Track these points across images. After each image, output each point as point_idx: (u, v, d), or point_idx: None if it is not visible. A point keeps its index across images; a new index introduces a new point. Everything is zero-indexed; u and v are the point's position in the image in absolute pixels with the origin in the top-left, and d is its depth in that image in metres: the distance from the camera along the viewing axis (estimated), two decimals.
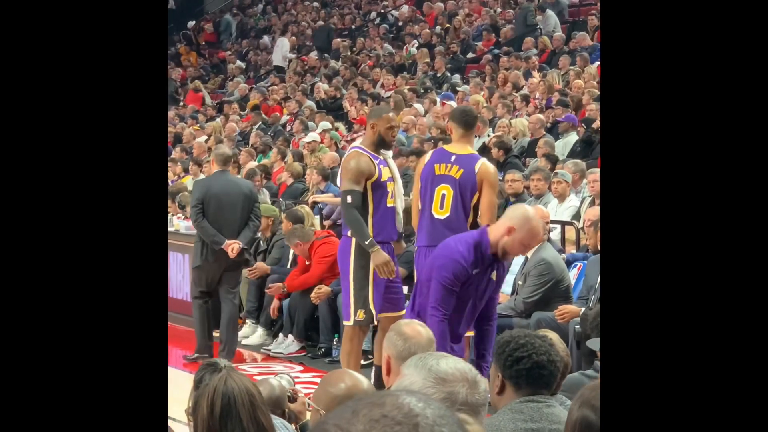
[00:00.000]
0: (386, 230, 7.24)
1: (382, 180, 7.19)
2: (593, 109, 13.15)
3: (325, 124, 16.27)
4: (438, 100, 16.28)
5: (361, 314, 7.14)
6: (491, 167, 7.17)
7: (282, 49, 24.03)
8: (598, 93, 14.07)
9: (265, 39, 26.19)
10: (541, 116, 13.60)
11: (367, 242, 7.04)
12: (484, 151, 12.58)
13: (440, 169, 7.00)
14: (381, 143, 7.30)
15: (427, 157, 7.23)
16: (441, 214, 6.97)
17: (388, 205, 7.25)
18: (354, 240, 7.12)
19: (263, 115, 19.06)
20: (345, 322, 7.31)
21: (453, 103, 15.75)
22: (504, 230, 5.57)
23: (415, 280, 6.92)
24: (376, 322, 7.32)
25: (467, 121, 7.20)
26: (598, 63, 15.92)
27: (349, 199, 7.07)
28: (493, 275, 5.78)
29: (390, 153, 7.50)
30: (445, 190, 6.96)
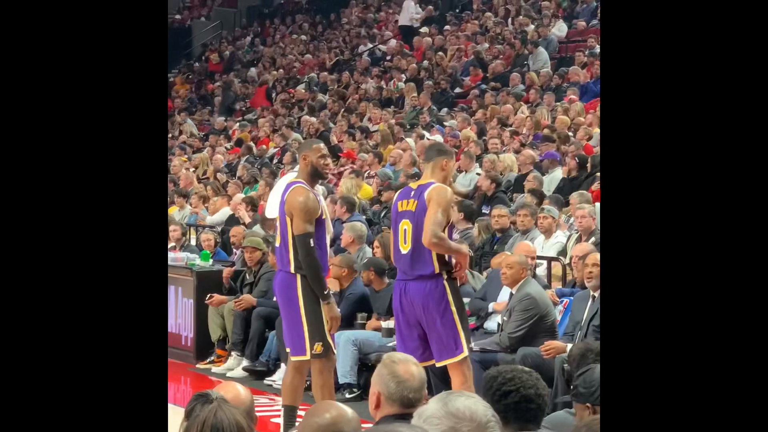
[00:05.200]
0: (325, 267, 7.28)
1: (323, 217, 7.18)
2: (591, 145, 13.20)
3: None
4: (426, 134, 16.32)
5: (318, 347, 7.07)
6: (444, 188, 7.00)
7: (408, 11, 24.28)
8: (590, 129, 14.12)
9: (252, 71, 26.24)
10: (531, 152, 13.59)
11: (325, 292, 7.07)
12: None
13: (402, 205, 7.07)
14: (315, 174, 7.26)
15: (395, 195, 7.33)
16: (405, 248, 7.00)
17: (327, 240, 7.28)
18: (298, 276, 7.07)
19: (253, 148, 19.09)
20: (297, 357, 7.19)
21: (439, 137, 15.79)
22: None
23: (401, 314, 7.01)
24: (335, 352, 7.29)
25: (429, 156, 7.27)
26: (584, 102, 15.99)
27: (312, 242, 7.02)
28: None
29: (320, 189, 7.45)
30: (406, 226, 7.01)
